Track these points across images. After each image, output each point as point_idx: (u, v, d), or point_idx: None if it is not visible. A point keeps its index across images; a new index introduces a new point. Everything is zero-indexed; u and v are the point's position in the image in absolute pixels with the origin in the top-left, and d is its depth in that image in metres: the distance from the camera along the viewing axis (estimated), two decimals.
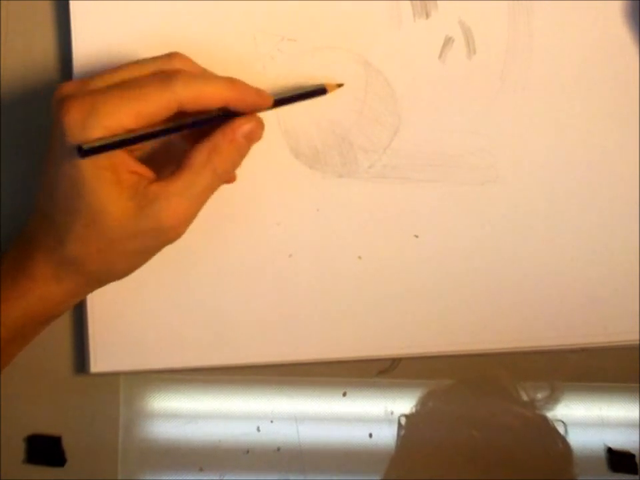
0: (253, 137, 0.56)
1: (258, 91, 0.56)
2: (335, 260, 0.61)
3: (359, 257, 0.62)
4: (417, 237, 0.62)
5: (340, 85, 0.61)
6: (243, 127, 0.55)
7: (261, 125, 0.56)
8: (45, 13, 0.62)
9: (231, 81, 0.54)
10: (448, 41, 0.62)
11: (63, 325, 0.61)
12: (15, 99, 0.62)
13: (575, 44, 0.63)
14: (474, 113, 0.62)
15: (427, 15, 0.62)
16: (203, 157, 0.53)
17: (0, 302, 0.54)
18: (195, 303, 0.61)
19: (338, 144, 0.61)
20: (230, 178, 0.56)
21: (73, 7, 0.60)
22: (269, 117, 0.60)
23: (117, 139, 0.51)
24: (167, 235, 0.54)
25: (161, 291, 0.60)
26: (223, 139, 0.54)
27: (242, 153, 0.55)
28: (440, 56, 0.62)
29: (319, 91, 0.60)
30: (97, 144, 0.50)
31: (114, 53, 0.60)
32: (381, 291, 0.62)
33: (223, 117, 0.55)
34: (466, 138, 0.62)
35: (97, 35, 0.60)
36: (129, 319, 0.60)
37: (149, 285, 0.60)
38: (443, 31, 0.62)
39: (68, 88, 0.53)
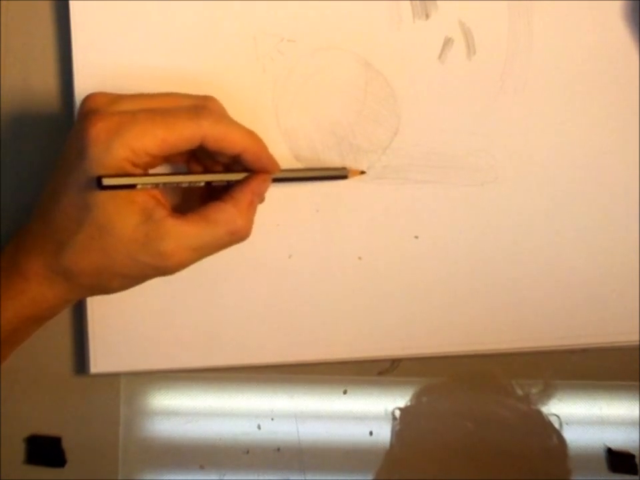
0: (262, 200, 0.58)
1: (272, 155, 0.57)
2: (334, 261, 0.61)
3: (359, 258, 0.62)
4: (416, 237, 0.62)
5: (363, 172, 0.61)
6: (261, 189, 0.56)
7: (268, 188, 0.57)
8: (45, 13, 0.62)
9: (253, 134, 0.55)
10: (448, 42, 0.62)
11: (63, 325, 0.61)
12: (15, 99, 0.62)
13: (575, 44, 0.63)
14: (474, 113, 0.62)
15: (427, 16, 0.62)
16: (224, 215, 0.54)
17: None
18: (195, 303, 0.61)
19: (338, 144, 0.61)
20: (242, 238, 0.56)
21: (73, 7, 0.60)
22: (269, 118, 0.60)
23: (136, 181, 0.52)
24: (164, 271, 0.55)
25: (161, 291, 0.60)
26: (243, 199, 0.55)
27: (254, 215, 0.56)
28: (440, 56, 0.62)
29: (340, 176, 0.61)
30: (116, 182, 0.51)
31: (114, 53, 0.60)
32: (381, 291, 0.62)
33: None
34: (466, 138, 0.62)
35: (97, 35, 0.60)
36: (129, 319, 0.60)
37: (148, 285, 0.60)
38: (442, 31, 0.62)
39: (97, 101, 0.53)
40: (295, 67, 0.61)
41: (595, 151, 0.63)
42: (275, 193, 0.61)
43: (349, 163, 0.61)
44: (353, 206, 0.61)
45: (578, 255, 0.63)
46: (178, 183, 0.54)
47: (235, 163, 0.56)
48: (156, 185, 0.53)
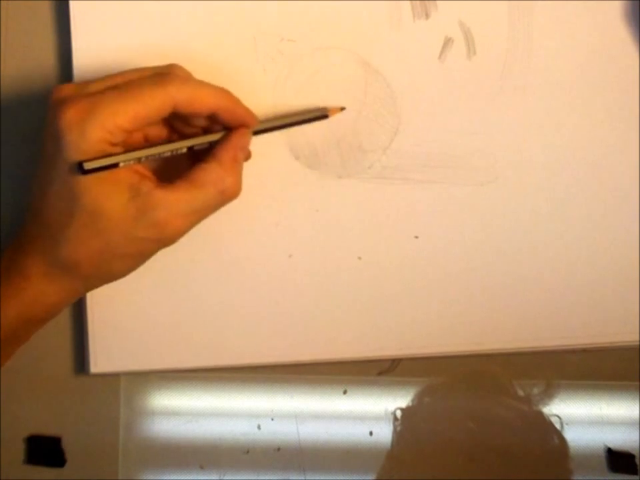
0: (248, 154, 0.58)
1: (247, 108, 0.56)
2: (334, 260, 0.61)
3: (359, 258, 0.62)
4: (417, 237, 0.62)
5: (342, 109, 0.61)
6: (242, 143, 0.56)
7: (250, 141, 0.57)
8: (45, 13, 0.62)
9: (223, 90, 0.55)
10: (448, 42, 0.62)
11: (63, 325, 0.61)
12: (15, 98, 0.62)
13: (575, 44, 0.63)
14: (474, 113, 0.62)
15: (427, 16, 0.62)
16: (210, 175, 0.54)
17: None
18: (194, 303, 0.61)
19: (337, 144, 0.61)
20: (232, 196, 0.56)
21: (73, 7, 0.60)
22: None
23: (117, 159, 0.52)
24: (164, 242, 0.55)
25: (161, 291, 0.60)
26: (226, 156, 0.55)
27: (241, 170, 0.56)
28: (440, 56, 0.62)
29: (320, 116, 0.60)
30: (98, 164, 0.51)
31: (114, 53, 0.60)
32: (380, 291, 0.62)
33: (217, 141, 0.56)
34: (466, 138, 0.62)
35: (97, 35, 0.60)
36: (129, 319, 0.60)
37: (148, 285, 0.60)
38: (442, 31, 0.62)
39: (64, 91, 0.54)
40: (294, 66, 0.61)
41: (595, 151, 0.63)
42: (275, 193, 0.61)
43: (349, 163, 0.61)
44: (353, 206, 0.61)
45: (578, 255, 0.63)
46: (160, 154, 0.54)
47: (212, 124, 0.56)
48: (138, 160, 0.53)
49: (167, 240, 0.54)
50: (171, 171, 0.57)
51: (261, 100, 0.61)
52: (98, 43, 0.60)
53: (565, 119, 0.63)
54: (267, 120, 0.59)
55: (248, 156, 0.58)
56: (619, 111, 0.63)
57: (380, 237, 0.62)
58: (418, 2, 0.62)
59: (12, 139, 0.62)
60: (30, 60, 0.62)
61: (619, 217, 0.63)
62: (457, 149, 0.62)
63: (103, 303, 0.60)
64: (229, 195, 0.55)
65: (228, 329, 0.61)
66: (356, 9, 0.62)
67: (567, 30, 0.63)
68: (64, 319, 0.61)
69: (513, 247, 0.62)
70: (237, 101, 0.56)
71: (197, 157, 0.56)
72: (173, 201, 0.53)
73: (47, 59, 0.62)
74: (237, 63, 0.61)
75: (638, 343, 0.63)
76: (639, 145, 0.63)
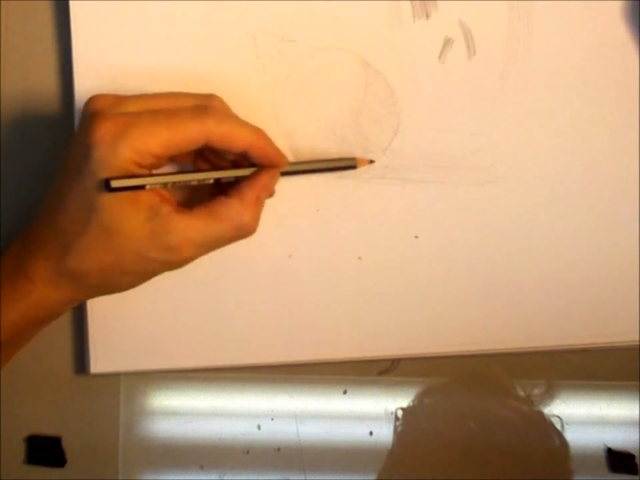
0: (272, 193, 0.58)
1: (279, 149, 0.57)
2: (334, 260, 0.61)
3: (359, 258, 0.62)
4: (416, 237, 0.62)
5: (372, 162, 0.61)
6: (269, 184, 0.56)
7: (276, 182, 0.58)
8: (45, 13, 0.62)
9: (259, 130, 0.55)
10: (448, 42, 0.62)
11: (63, 325, 0.61)
12: (15, 99, 0.62)
13: (575, 44, 0.63)
14: (474, 113, 0.62)
15: (427, 16, 0.62)
16: (230, 210, 0.54)
17: None
18: (194, 303, 0.61)
19: (338, 144, 0.61)
20: (248, 234, 0.56)
21: (73, 7, 0.60)
22: (269, 118, 0.60)
23: (144, 182, 0.52)
24: (172, 266, 0.55)
25: (161, 291, 0.60)
26: (250, 194, 0.55)
27: (261, 210, 0.56)
28: (440, 56, 0.62)
29: (349, 166, 0.61)
30: (125, 184, 0.51)
31: (114, 53, 0.60)
32: (381, 291, 0.62)
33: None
34: (466, 138, 0.62)
35: (97, 35, 0.60)
36: (129, 319, 0.60)
37: (148, 285, 0.60)
38: (442, 31, 0.62)
39: (101, 102, 0.53)
40: (294, 66, 0.61)
41: (595, 151, 0.63)
42: (275, 193, 0.61)
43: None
44: (353, 206, 0.61)
45: (578, 254, 0.63)
46: (186, 182, 0.55)
47: (242, 158, 0.56)
48: (164, 185, 0.53)
49: (175, 264, 0.55)
50: (193, 198, 0.57)
51: (261, 100, 0.61)
52: (98, 43, 0.60)
53: (565, 119, 0.63)
54: (296, 163, 0.60)
55: (272, 194, 0.58)
56: (618, 110, 0.63)
57: (380, 237, 0.62)
58: (418, 2, 0.62)
59: (12, 139, 0.62)
60: (30, 60, 0.62)
61: (619, 217, 0.63)
62: (457, 149, 0.62)
63: (102, 303, 0.60)
64: (244, 231, 0.55)
65: (228, 328, 0.61)
66: (356, 9, 0.62)
67: (567, 30, 0.63)
68: (64, 319, 0.61)
69: (512, 247, 0.62)
70: (270, 142, 0.56)
71: (220, 187, 0.56)
72: (188, 228, 0.53)
73: (47, 59, 0.62)
74: (237, 62, 0.61)
75: (638, 343, 0.63)
76: (638, 145, 0.63)
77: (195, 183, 0.55)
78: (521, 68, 0.62)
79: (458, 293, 0.62)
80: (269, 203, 0.59)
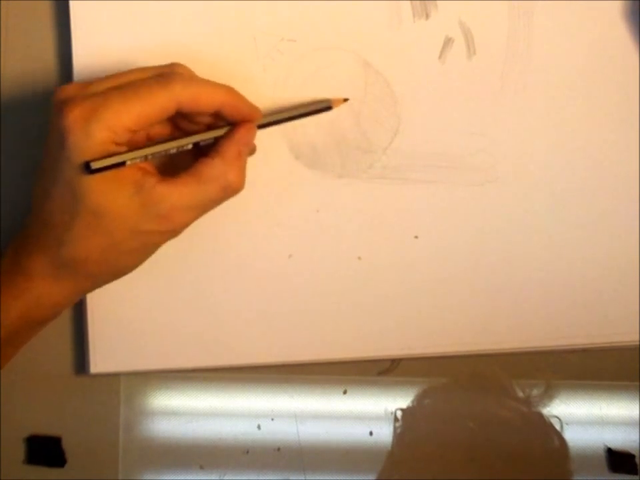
0: (252, 149, 0.58)
1: (251, 103, 0.57)
2: (334, 260, 0.61)
3: (359, 258, 0.62)
4: (416, 237, 0.62)
5: (346, 100, 0.61)
6: (247, 138, 0.56)
7: (254, 136, 0.57)
8: (45, 13, 0.62)
9: (227, 87, 0.55)
10: (448, 42, 0.62)
11: (63, 325, 0.61)
12: (15, 99, 0.62)
13: (575, 44, 0.63)
14: (474, 113, 0.62)
15: (427, 16, 0.62)
16: (213, 170, 0.54)
17: None
18: (194, 303, 0.61)
19: (338, 144, 0.61)
20: (235, 190, 0.56)
21: (73, 7, 0.60)
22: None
23: (124, 158, 0.52)
24: (168, 235, 0.55)
25: (161, 291, 0.60)
26: (230, 151, 0.55)
27: (245, 165, 0.56)
28: (440, 56, 0.62)
29: (324, 108, 0.60)
30: (105, 164, 0.51)
31: (114, 53, 0.60)
32: (380, 291, 0.62)
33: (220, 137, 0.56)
34: (466, 138, 0.62)
35: (97, 35, 0.60)
36: (129, 319, 0.60)
37: (148, 285, 0.60)
38: (442, 31, 0.62)
39: (67, 91, 0.54)
40: (294, 66, 0.61)
41: (595, 151, 0.63)
42: (275, 193, 0.61)
43: (349, 163, 0.61)
44: (353, 206, 0.61)
45: (578, 255, 0.63)
46: (165, 151, 0.54)
47: (216, 120, 0.56)
48: (145, 158, 0.53)
49: (171, 232, 0.55)
50: (174, 165, 0.57)
51: (261, 100, 0.60)
52: (98, 43, 0.60)
53: (565, 119, 0.63)
54: (271, 113, 0.59)
55: (253, 150, 0.58)
56: (618, 110, 0.63)
57: (380, 237, 0.62)
58: (418, 2, 0.62)
59: (12, 139, 0.62)
60: (30, 60, 0.62)
61: (619, 216, 0.63)
62: (457, 149, 0.62)
63: (103, 303, 0.60)
64: (231, 189, 0.55)
65: (228, 328, 0.61)
66: (356, 9, 0.62)
67: (567, 30, 0.63)
68: (64, 319, 0.61)
69: (512, 247, 0.62)
70: (240, 97, 0.56)
71: (201, 151, 0.56)
72: (176, 194, 0.53)
73: (47, 59, 0.62)
74: (237, 62, 0.61)
75: (638, 343, 0.63)
76: (638, 145, 0.63)
77: (174, 150, 0.55)
78: (521, 68, 0.62)
79: (458, 293, 0.62)
80: (269, 202, 0.59)
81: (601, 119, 0.63)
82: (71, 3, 0.60)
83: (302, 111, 0.60)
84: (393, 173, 0.62)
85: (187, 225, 0.55)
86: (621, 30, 0.63)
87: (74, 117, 0.51)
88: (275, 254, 0.61)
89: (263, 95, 0.61)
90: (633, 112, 0.63)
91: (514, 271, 0.62)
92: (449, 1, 0.62)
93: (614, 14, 0.63)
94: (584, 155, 0.63)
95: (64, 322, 0.61)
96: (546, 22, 0.62)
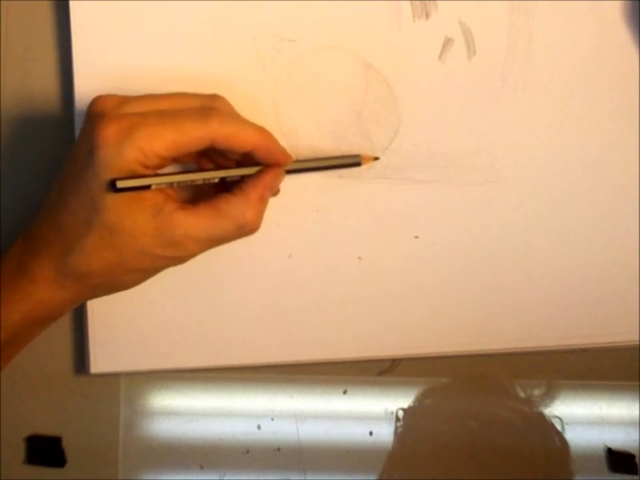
0: (277, 191, 0.58)
1: (283, 148, 0.57)
2: (334, 260, 0.61)
3: (359, 258, 0.62)
4: (416, 237, 0.62)
5: (376, 158, 0.61)
6: (273, 183, 0.56)
7: (281, 181, 0.58)
8: (45, 13, 0.62)
9: (262, 130, 0.55)
10: (448, 42, 0.62)
11: (63, 325, 0.61)
12: (15, 99, 0.62)
13: (575, 44, 0.63)
14: (474, 113, 0.62)
15: (427, 16, 0.62)
16: (233, 208, 0.54)
17: (0, 303, 0.54)
18: (194, 303, 0.61)
19: (338, 144, 0.61)
20: (251, 231, 0.56)
21: (73, 7, 0.60)
22: (269, 118, 0.60)
23: (150, 182, 0.52)
24: (175, 261, 0.56)
25: (161, 291, 0.60)
26: (254, 193, 0.55)
27: (265, 208, 0.56)
28: (440, 56, 0.62)
29: (354, 163, 0.60)
30: (130, 184, 0.51)
31: (114, 53, 0.60)
32: (380, 291, 0.62)
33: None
34: (466, 138, 0.62)
35: (97, 35, 0.60)
36: (129, 319, 0.60)
37: (148, 285, 0.60)
38: (442, 31, 0.62)
39: (106, 103, 0.54)
40: (294, 66, 0.61)
41: (595, 151, 0.63)
42: (280, 192, 0.61)
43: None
44: (353, 206, 0.61)
45: (578, 254, 0.63)
46: (192, 181, 0.55)
47: (246, 158, 0.56)
48: (170, 184, 0.53)
49: (179, 259, 0.55)
50: (196, 195, 0.57)
51: (261, 100, 0.61)
52: (98, 43, 0.60)
53: (565, 119, 0.63)
54: (301, 161, 0.60)
55: (276, 192, 0.58)
56: (618, 110, 0.63)
57: (380, 237, 0.62)
58: (418, 2, 0.62)
59: (12, 139, 0.62)
60: (30, 60, 0.62)
61: (619, 216, 0.63)
62: (457, 149, 0.62)
63: (103, 303, 0.60)
64: (247, 229, 0.55)
65: (228, 328, 0.61)
66: (356, 9, 0.61)
67: (567, 30, 0.63)
68: (64, 319, 0.61)
69: (512, 247, 0.62)
70: (274, 142, 0.56)
71: (225, 184, 0.56)
72: (192, 224, 0.53)
73: (47, 59, 0.62)
74: (237, 62, 0.61)
75: (638, 343, 0.63)
76: (638, 145, 0.63)
77: (200, 182, 0.55)
78: (520, 68, 0.62)
79: (458, 292, 0.62)
80: (269, 203, 0.59)
81: (601, 119, 0.63)
82: (71, 3, 0.60)
83: (332, 163, 0.60)
84: (393, 172, 0.62)
85: (195, 255, 0.55)
86: (621, 30, 0.63)
87: (109, 133, 0.51)
88: (275, 254, 0.61)
89: (263, 94, 0.61)
90: (633, 112, 0.63)
91: (514, 271, 0.62)
92: (449, 1, 0.62)
93: (614, 14, 0.63)
94: (584, 155, 0.63)
95: (64, 322, 0.61)
96: (546, 22, 0.62)
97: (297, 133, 0.61)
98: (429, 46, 0.62)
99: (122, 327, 0.60)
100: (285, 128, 0.61)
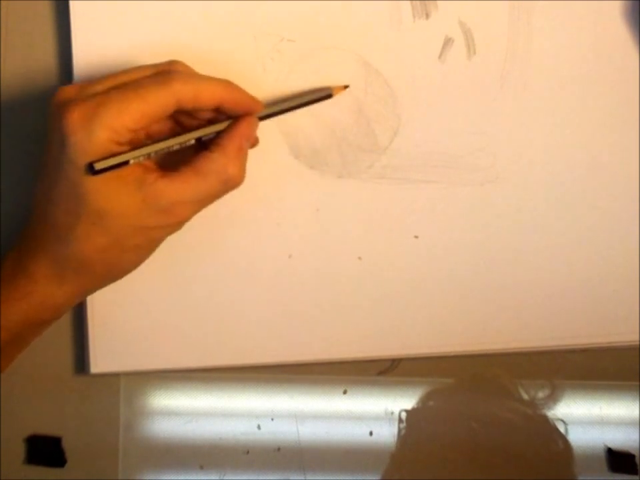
0: (255, 142, 0.58)
1: (251, 96, 0.57)
2: (334, 260, 0.61)
3: (359, 258, 0.62)
4: (416, 237, 0.62)
5: (346, 87, 0.61)
6: (248, 132, 0.56)
7: (256, 129, 0.57)
8: (45, 13, 0.62)
9: (226, 82, 0.55)
10: (448, 42, 0.62)
11: (63, 325, 0.61)
12: (15, 99, 0.62)
13: (575, 44, 0.63)
14: (474, 113, 0.62)
15: (427, 16, 0.62)
16: (213, 164, 0.54)
17: (0, 304, 0.54)
18: (194, 303, 0.61)
19: (338, 144, 0.61)
20: (235, 184, 0.56)
21: (73, 7, 0.60)
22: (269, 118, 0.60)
23: (127, 157, 0.52)
24: (170, 229, 0.55)
25: (161, 291, 0.60)
26: (231, 145, 0.55)
27: (246, 159, 0.56)
28: (440, 56, 0.62)
29: (325, 96, 0.60)
30: (108, 164, 0.51)
31: (114, 53, 0.60)
32: (381, 291, 0.62)
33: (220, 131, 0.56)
34: (466, 138, 0.62)
35: (97, 35, 0.60)
36: (129, 319, 0.60)
37: (148, 285, 0.60)
38: (442, 31, 0.62)
39: (67, 92, 0.54)
40: (294, 67, 0.61)
41: (595, 151, 0.63)
42: (275, 193, 0.61)
43: (349, 163, 0.61)
44: (353, 206, 0.61)
45: (578, 254, 0.63)
46: (168, 148, 0.54)
47: (218, 114, 0.56)
48: (148, 156, 0.53)
49: (173, 226, 0.55)
50: (175, 159, 0.57)
51: (260, 100, 0.61)
52: (98, 43, 0.60)
53: (565, 119, 0.63)
54: (272, 104, 0.59)
55: (255, 142, 0.58)
56: (618, 110, 0.63)
57: (380, 237, 0.62)
58: (418, 2, 0.62)
59: (12, 139, 0.62)
60: (30, 60, 0.62)
61: (619, 216, 0.63)
62: (457, 149, 0.62)
63: (103, 303, 0.60)
64: (232, 183, 0.55)
65: (228, 328, 0.61)
66: (356, 9, 0.61)
67: (567, 30, 0.63)
68: (64, 319, 0.60)
69: (513, 247, 0.62)
70: (240, 91, 0.56)
71: (203, 145, 0.56)
72: (177, 189, 0.53)
73: (47, 59, 0.62)
74: (237, 62, 0.61)
75: (638, 343, 0.63)
76: (639, 145, 0.63)
77: (176, 147, 0.55)
78: (520, 68, 0.62)
79: (458, 292, 0.62)
80: (269, 202, 0.59)
81: (601, 118, 0.63)
82: (71, 3, 0.60)
83: (303, 100, 0.60)
84: (393, 172, 0.62)
85: (188, 218, 0.55)
86: (621, 30, 0.63)
87: (75, 118, 0.51)
88: (275, 254, 0.61)
89: (263, 95, 0.61)
90: (633, 112, 0.63)
91: (514, 271, 0.62)
92: (449, 1, 0.62)
93: (614, 14, 0.63)
94: (584, 154, 0.63)
95: (64, 322, 0.61)
96: (546, 22, 0.62)
97: (296, 133, 0.61)
98: (428, 46, 0.62)
99: (122, 327, 0.60)
100: (285, 128, 0.61)
